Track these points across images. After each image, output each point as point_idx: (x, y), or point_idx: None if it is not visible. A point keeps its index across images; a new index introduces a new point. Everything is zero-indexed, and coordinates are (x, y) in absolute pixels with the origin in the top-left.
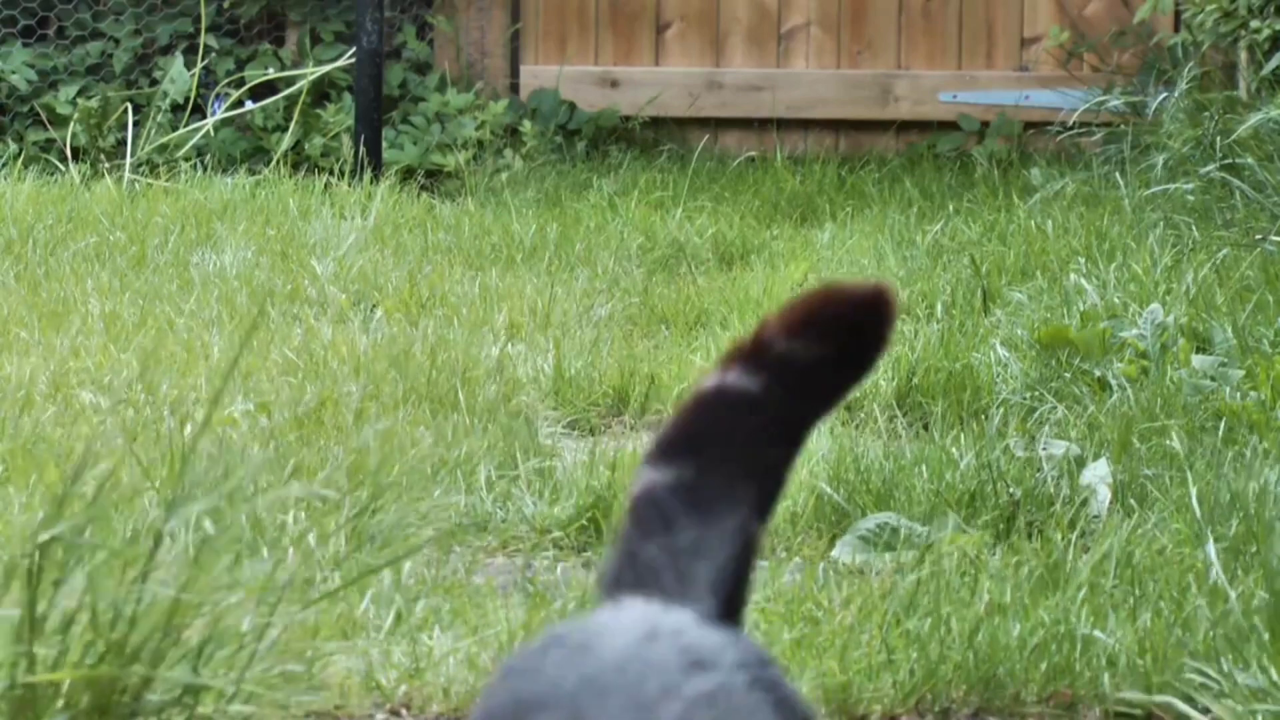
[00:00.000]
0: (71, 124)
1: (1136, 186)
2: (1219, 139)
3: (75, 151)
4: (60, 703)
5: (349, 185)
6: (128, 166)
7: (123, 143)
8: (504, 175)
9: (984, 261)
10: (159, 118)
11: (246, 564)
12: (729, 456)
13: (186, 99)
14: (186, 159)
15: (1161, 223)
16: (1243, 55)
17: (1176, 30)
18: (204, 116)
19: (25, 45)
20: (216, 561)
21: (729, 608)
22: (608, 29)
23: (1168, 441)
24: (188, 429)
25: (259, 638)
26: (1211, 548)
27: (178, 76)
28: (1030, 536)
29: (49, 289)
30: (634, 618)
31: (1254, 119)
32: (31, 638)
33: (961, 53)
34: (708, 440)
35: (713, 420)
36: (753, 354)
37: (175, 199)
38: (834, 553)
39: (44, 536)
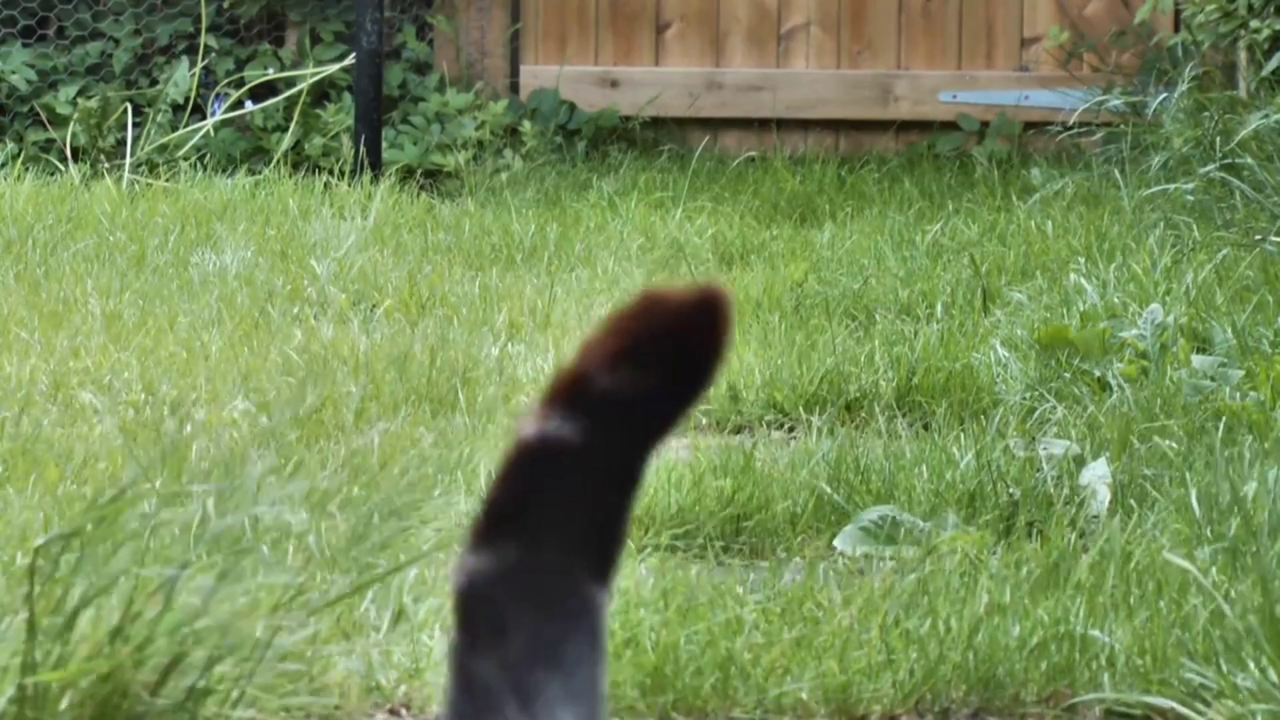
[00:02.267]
0: (71, 124)
1: (1136, 186)
2: (1219, 139)
3: (75, 151)
4: (65, 703)
5: (349, 185)
6: (128, 166)
7: (123, 143)
8: (504, 175)
9: (984, 261)
10: (159, 118)
11: (249, 565)
12: (556, 521)
13: (186, 99)
14: (186, 159)
15: (1161, 223)
16: (1243, 55)
17: (1176, 30)
18: (204, 117)
19: (25, 45)
20: (229, 567)
21: (585, 710)
22: (608, 29)
23: (1167, 441)
24: (187, 429)
25: (269, 644)
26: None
27: (181, 80)
28: (1030, 536)
29: (49, 289)
30: None
31: (1254, 119)
32: (35, 640)
33: (961, 53)
34: (529, 506)
35: (533, 480)
36: (571, 394)
37: (175, 199)
38: (835, 543)
39: (45, 538)
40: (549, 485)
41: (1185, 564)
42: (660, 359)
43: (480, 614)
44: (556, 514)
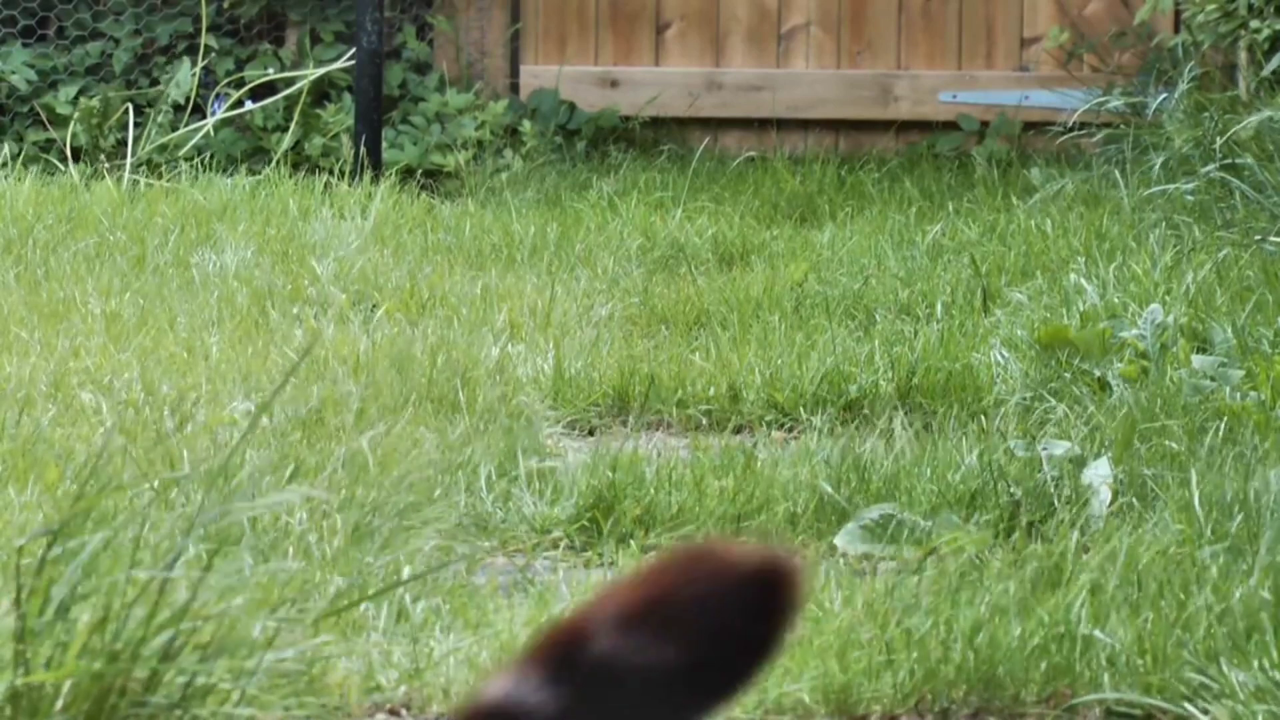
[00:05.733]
0: (72, 124)
1: (1136, 186)
2: (1219, 139)
3: (75, 151)
4: (60, 704)
5: (349, 185)
6: (128, 166)
7: (123, 143)
8: (504, 175)
9: (984, 261)
10: (159, 118)
11: (248, 564)
12: None
13: (187, 99)
14: (187, 159)
15: (1161, 223)
16: (1243, 55)
17: (1176, 30)
18: (204, 116)
19: (25, 45)
20: (225, 566)
21: None
22: (608, 29)
23: (1168, 441)
24: (187, 428)
25: (269, 645)
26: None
27: (181, 80)
28: (1031, 536)
29: (49, 289)
30: None
31: (1254, 119)
32: (29, 638)
33: (961, 53)
34: None
35: None
36: (560, 651)
37: (175, 199)
38: (836, 541)
39: (42, 537)
40: None
41: (1191, 554)
42: (690, 631)
43: None
44: None
